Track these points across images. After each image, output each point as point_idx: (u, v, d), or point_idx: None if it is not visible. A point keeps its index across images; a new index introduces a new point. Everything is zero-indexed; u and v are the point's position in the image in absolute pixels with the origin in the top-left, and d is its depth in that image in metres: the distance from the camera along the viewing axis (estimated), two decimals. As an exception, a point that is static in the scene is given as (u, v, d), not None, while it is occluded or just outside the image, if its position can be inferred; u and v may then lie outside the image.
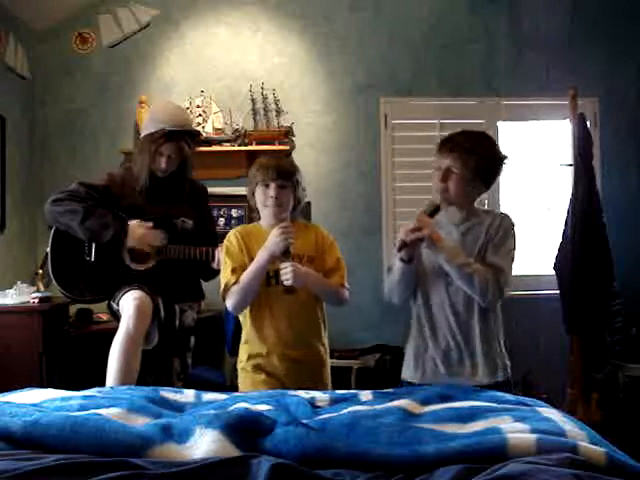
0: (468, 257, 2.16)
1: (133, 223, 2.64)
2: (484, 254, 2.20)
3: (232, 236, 2.39)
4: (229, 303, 2.30)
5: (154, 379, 2.64)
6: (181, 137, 2.70)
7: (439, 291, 2.23)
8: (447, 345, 2.22)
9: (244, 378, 2.36)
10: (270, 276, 2.29)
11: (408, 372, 2.31)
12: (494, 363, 2.23)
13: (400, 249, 2.12)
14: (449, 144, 2.20)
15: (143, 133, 2.74)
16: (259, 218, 2.42)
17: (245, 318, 2.37)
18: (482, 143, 2.22)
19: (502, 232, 2.22)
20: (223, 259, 2.37)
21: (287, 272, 2.18)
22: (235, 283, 2.27)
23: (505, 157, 2.25)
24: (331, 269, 2.36)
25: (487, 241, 2.21)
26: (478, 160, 2.16)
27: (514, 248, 2.23)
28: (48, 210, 2.67)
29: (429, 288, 2.24)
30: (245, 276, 2.26)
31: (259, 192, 2.33)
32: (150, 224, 2.67)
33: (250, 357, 2.34)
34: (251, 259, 2.30)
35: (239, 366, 2.40)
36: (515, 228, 2.27)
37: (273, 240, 2.21)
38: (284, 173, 2.31)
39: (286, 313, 2.31)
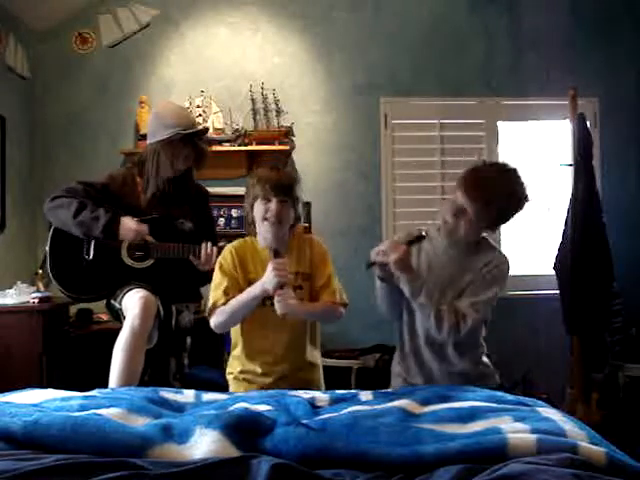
0: (450, 286, 2.15)
1: (125, 217, 2.61)
2: (465, 290, 2.16)
3: (227, 253, 2.33)
4: (212, 322, 2.25)
5: (150, 378, 2.64)
6: (197, 137, 2.73)
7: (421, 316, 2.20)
8: (430, 371, 2.24)
9: (236, 387, 2.33)
10: (265, 297, 2.22)
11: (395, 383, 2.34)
12: (482, 375, 2.26)
13: (368, 267, 2.15)
14: (475, 191, 2.08)
15: (155, 139, 2.70)
16: (255, 233, 2.34)
17: (236, 332, 2.35)
18: (508, 192, 2.11)
19: (490, 277, 2.15)
20: (215, 275, 2.32)
21: (279, 302, 2.13)
22: (224, 304, 2.23)
23: (526, 200, 2.14)
24: (322, 286, 2.31)
25: (474, 280, 2.16)
26: (497, 212, 2.12)
27: (495, 296, 2.16)
28: (46, 207, 2.68)
29: (412, 310, 2.23)
30: (235, 302, 2.21)
31: (258, 207, 2.26)
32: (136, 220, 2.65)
33: (242, 372, 2.32)
34: (245, 277, 2.27)
35: (230, 376, 2.37)
36: (508, 273, 2.21)
37: (268, 276, 2.14)
38: (285, 188, 2.24)
39: (280, 332, 2.26)
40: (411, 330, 2.28)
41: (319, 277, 2.32)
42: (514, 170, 2.16)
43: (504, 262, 2.21)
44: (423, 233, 2.15)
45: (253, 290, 2.19)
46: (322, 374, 2.41)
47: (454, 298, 2.16)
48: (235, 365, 2.35)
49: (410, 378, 2.28)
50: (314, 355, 2.37)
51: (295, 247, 2.33)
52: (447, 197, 2.23)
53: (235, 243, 2.38)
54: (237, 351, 2.35)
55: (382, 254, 2.09)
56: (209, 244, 2.62)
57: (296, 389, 2.04)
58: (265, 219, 2.24)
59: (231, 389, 2.34)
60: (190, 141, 2.70)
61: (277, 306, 2.13)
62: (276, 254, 2.18)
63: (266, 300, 2.22)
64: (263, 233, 2.28)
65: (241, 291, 2.24)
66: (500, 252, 2.26)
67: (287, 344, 2.28)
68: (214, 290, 2.28)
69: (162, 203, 2.73)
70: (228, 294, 2.24)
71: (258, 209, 2.26)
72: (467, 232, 2.16)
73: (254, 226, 2.32)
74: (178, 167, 2.70)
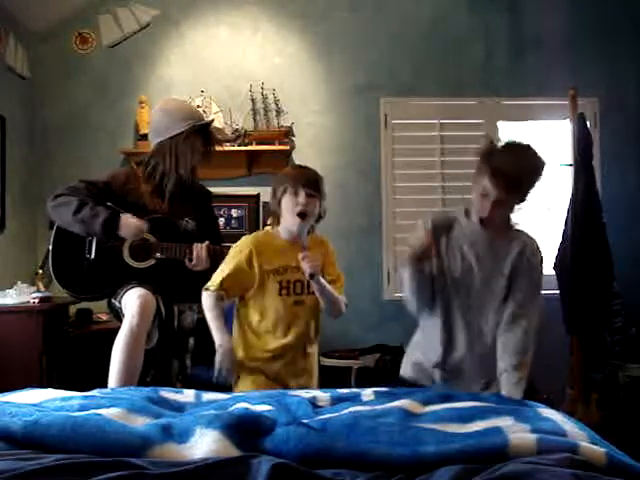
0: (491, 274, 2.19)
1: (125, 214, 2.60)
2: (511, 283, 2.22)
3: (244, 243, 2.40)
4: (204, 303, 2.36)
5: (153, 379, 2.64)
6: (209, 128, 2.79)
7: (461, 304, 2.22)
8: (461, 358, 2.24)
9: (243, 378, 2.34)
10: (282, 286, 2.34)
11: (411, 373, 2.35)
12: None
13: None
14: (505, 179, 2.08)
15: (168, 134, 2.69)
16: (277, 223, 2.41)
17: (244, 320, 2.39)
18: (532, 169, 2.17)
19: (533, 271, 2.26)
20: (226, 258, 2.39)
21: (308, 262, 2.24)
22: (222, 290, 2.33)
23: (544, 166, 2.20)
24: (333, 280, 2.40)
25: (516, 270, 2.22)
26: (527, 190, 2.16)
27: (541, 289, 2.33)
28: (48, 206, 2.68)
29: (451, 300, 2.23)
30: (211, 323, 2.34)
31: (287, 199, 2.33)
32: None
33: (251, 359, 2.35)
34: (261, 268, 2.33)
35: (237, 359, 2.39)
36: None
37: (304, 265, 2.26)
38: (314, 183, 2.35)
39: (290, 322, 2.35)
40: (446, 314, 2.25)
41: (331, 271, 2.43)
42: (528, 146, 2.20)
43: (537, 245, 2.28)
44: (451, 217, 2.26)
45: (216, 335, 2.32)
46: (317, 362, 2.52)
47: (498, 299, 2.21)
48: (243, 351, 2.38)
49: (430, 365, 2.28)
50: (314, 347, 2.47)
51: (315, 246, 2.41)
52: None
53: (255, 234, 2.49)
54: (245, 340, 2.38)
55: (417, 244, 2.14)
56: (200, 245, 2.61)
57: (298, 373, 2.28)
58: (294, 212, 2.31)
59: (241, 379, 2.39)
60: (204, 132, 2.75)
61: (306, 266, 2.23)
62: (304, 247, 2.29)
63: (283, 290, 2.34)
64: (289, 226, 2.35)
65: (245, 283, 2.34)
66: (528, 234, 2.30)
67: (296, 333, 2.36)
68: (218, 272, 2.37)
69: (165, 203, 2.73)
70: (223, 284, 2.33)
71: (287, 201, 2.33)
72: (502, 218, 2.22)
73: (277, 219, 2.40)
74: (196, 160, 2.73)
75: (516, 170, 2.09)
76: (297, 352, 2.37)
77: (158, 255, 2.64)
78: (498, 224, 2.22)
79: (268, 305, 2.34)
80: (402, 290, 2.30)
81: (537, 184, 2.18)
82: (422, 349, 2.34)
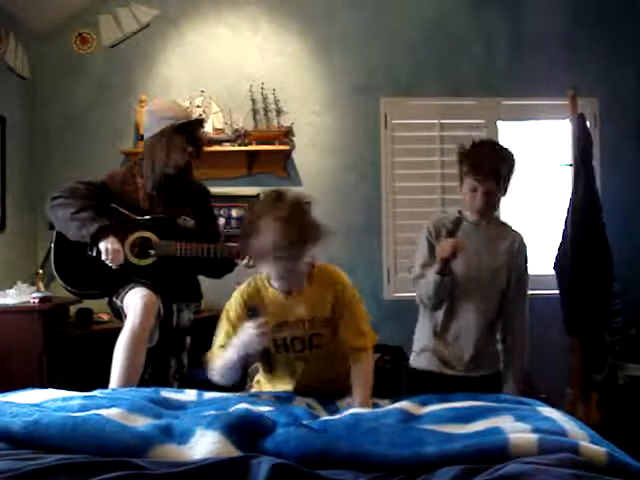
0: (490, 268, 2.33)
1: (111, 237, 2.56)
2: (509, 279, 2.37)
3: (234, 300, 2.08)
4: (210, 377, 2.05)
5: (150, 377, 2.64)
6: (192, 127, 2.72)
7: (469, 298, 2.34)
8: (463, 348, 2.35)
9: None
10: (278, 345, 2.03)
11: (421, 361, 2.43)
12: (496, 359, 2.41)
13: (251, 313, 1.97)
14: (491, 171, 2.29)
15: (149, 134, 2.70)
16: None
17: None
18: (505, 157, 2.37)
19: (522, 263, 2.40)
20: (220, 320, 2.12)
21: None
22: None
23: (513, 155, 2.41)
24: (347, 329, 2.04)
25: (510, 264, 2.37)
26: (506, 177, 2.35)
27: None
28: (47, 207, 2.68)
29: (460, 296, 2.34)
30: (221, 366, 2.00)
31: (269, 264, 1.96)
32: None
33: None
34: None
35: (255, 379, 2.28)
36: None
37: (248, 339, 1.92)
38: (296, 251, 1.90)
39: (302, 376, 2.07)
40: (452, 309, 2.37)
41: (344, 318, 2.05)
42: (493, 140, 2.57)
43: (522, 238, 2.43)
44: (457, 215, 2.39)
45: (237, 350, 1.95)
46: None
47: (497, 292, 2.36)
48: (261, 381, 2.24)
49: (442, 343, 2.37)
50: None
51: (314, 286, 2.05)
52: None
53: (244, 287, 2.10)
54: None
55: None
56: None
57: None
58: (281, 277, 1.98)
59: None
60: (184, 131, 2.67)
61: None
62: (255, 312, 1.94)
63: (280, 347, 2.04)
64: (274, 273, 1.99)
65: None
66: (515, 229, 2.48)
67: (312, 386, 2.06)
68: (216, 337, 2.09)
69: (163, 203, 2.73)
70: (223, 346, 2.03)
71: (269, 266, 1.98)
72: (495, 210, 2.41)
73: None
74: (176, 160, 2.67)
75: (492, 159, 2.31)
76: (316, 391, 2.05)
77: (188, 253, 2.61)
78: (490, 219, 2.41)
79: (272, 359, 2.09)
80: (422, 291, 2.34)
81: (512, 174, 2.37)
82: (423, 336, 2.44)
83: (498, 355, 2.41)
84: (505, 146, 2.41)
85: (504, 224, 2.51)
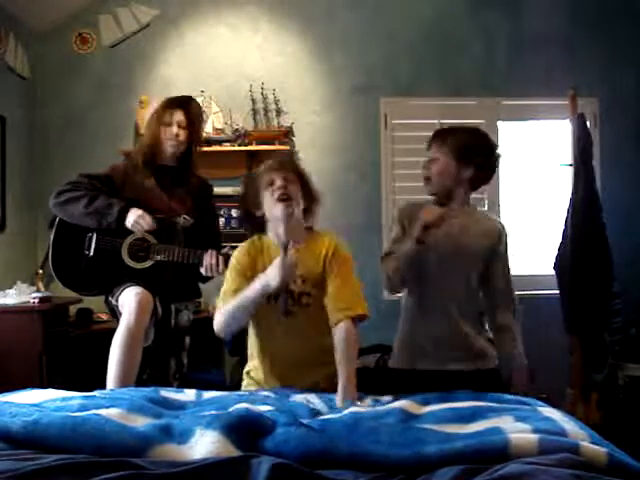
0: (459, 253, 2.24)
1: (136, 209, 2.61)
2: (487, 267, 2.31)
3: (239, 253, 2.20)
4: (214, 325, 2.11)
5: (149, 377, 2.64)
6: (184, 103, 2.76)
7: (438, 281, 2.25)
8: (439, 332, 2.25)
9: (247, 385, 2.26)
10: (270, 295, 2.06)
11: (394, 359, 2.36)
12: (483, 351, 2.30)
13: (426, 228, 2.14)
14: (435, 135, 2.39)
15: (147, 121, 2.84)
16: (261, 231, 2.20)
17: (250, 333, 2.25)
18: (468, 131, 2.39)
19: (505, 254, 2.35)
20: (226, 274, 2.22)
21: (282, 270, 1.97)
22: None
23: (488, 140, 2.38)
24: (332, 295, 2.06)
25: (491, 254, 2.30)
26: (460, 144, 2.32)
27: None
28: (52, 203, 2.67)
29: (429, 277, 2.25)
30: (234, 301, 2.05)
31: (265, 196, 2.10)
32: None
33: (254, 370, 2.24)
34: (254, 278, 2.07)
35: (245, 369, 2.29)
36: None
37: (271, 272, 1.97)
38: (285, 163, 2.15)
39: (286, 339, 2.11)
40: (423, 293, 2.29)
41: (332, 282, 2.09)
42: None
43: (503, 226, 2.38)
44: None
45: (254, 285, 2.02)
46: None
47: (469, 278, 2.28)
48: (251, 362, 2.25)
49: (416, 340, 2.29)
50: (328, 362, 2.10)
51: (309, 242, 2.14)
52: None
53: (249, 241, 2.22)
54: (250, 350, 2.26)
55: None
56: (213, 252, 2.58)
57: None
58: (276, 200, 2.06)
59: (243, 385, 2.26)
60: (176, 105, 2.74)
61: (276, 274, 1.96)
62: (286, 250, 1.98)
63: (271, 299, 2.08)
64: (274, 228, 2.12)
65: None
66: (497, 219, 2.45)
67: (293, 350, 2.11)
68: (222, 290, 2.16)
69: (165, 194, 2.72)
70: (228, 295, 2.11)
71: (266, 199, 2.10)
72: (437, 175, 2.28)
73: (262, 226, 2.18)
74: (172, 133, 2.70)
75: (448, 129, 2.34)
76: (306, 366, 2.11)
77: (159, 258, 2.63)
78: (456, 202, 2.28)
79: (260, 315, 2.12)
80: (390, 265, 2.22)
81: (477, 150, 2.27)
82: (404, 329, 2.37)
83: (485, 350, 2.29)
84: (486, 133, 2.37)
85: (481, 212, 2.46)
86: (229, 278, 2.16)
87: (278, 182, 2.08)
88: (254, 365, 2.23)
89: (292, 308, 2.09)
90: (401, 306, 2.40)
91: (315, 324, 2.09)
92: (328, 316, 2.07)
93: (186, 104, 2.77)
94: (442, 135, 2.33)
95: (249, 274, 2.12)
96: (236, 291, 2.08)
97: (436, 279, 2.25)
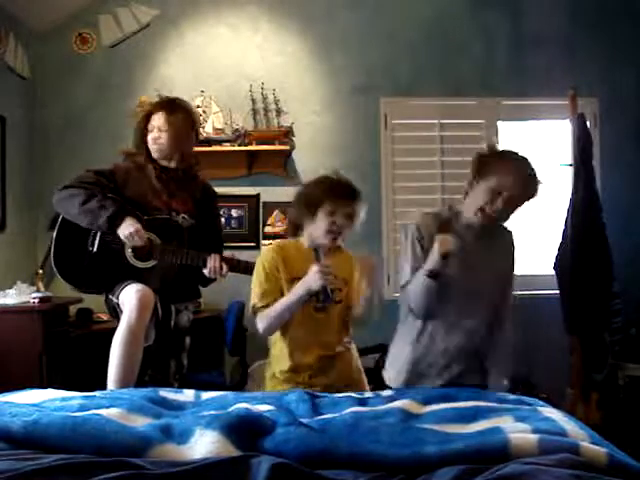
0: (485, 272, 2.21)
1: (130, 217, 2.59)
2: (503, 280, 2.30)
3: (268, 253, 2.31)
4: (260, 326, 2.25)
5: (150, 378, 2.63)
6: (165, 106, 2.76)
7: (461, 305, 2.20)
8: (458, 347, 2.22)
9: (274, 386, 2.29)
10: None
11: (393, 376, 2.33)
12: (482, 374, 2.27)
13: (433, 276, 2.12)
14: (522, 175, 2.16)
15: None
16: (293, 234, 2.36)
17: (274, 338, 2.33)
18: (535, 191, 2.26)
19: (512, 262, 2.33)
20: (256, 274, 2.30)
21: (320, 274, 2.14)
22: (265, 307, 2.22)
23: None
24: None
25: (505, 268, 2.31)
26: (535, 190, 2.25)
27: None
28: (55, 198, 2.67)
29: (451, 301, 2.19)
30: (279, 305, 2.21)
31: (321, 216, 2.22)
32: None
33: (282, 372, 2.28)
34: (289, 276, 2.24)
35: (268, 374, 2.35)
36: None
37: (312, 277, 2.13)
38: (354, 203, 2.25)
39: (316, 331, 2.27)
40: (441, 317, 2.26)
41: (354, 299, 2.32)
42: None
43: (513, 238, 2.38)
44: (448, 214, 2.26)
45: (296, 291, 2.18)
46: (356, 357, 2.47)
47: (490, 296, 2.25)
48: (276, 364, 2.31)
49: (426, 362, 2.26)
50: (349, 349, 2.42)
51: (337, 259, 2.30)
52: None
53: (278, 242, 2.44)
54: (278, 351, 2.31)
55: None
56: (217, 256, 2.60)
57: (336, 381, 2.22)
58: (329, 232, 2.22)
59: (269, 388, 2.31)
60: (158, 109, 2.74)
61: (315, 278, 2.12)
62: (317, 254, 2.18)
63: (311, 299, 2.22)
64: (315, 240, 2.25)
65: (281, 291, 2.24)
66: (507, 228, 2.38)
67: (323, 343, 2.28)
68: (254, 290, 2.27)
69: (166, 194, 2.72)
70: (267, 296, 2.23)
71: (321, 218, 2.22)
72: (504, 211, 2.18)
73: (294, 230, 2.35)
74: (152, 138, 2.71)
75: (531, 168, 2.18)
76: (326, 361, 2.29)
77: (165, 258, 2.63)
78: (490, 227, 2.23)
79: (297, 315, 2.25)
80: (411, 297, 2.21)
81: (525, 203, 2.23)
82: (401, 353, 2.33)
83: (484, 370, 2.27)
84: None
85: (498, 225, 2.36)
86: (258, 278, 2.28)
87: (339, 220, 2.22)
88: (280, 369, 2.29)
89: (325, 304, 2.25)
90: (400, 325, 2.38)
91: (341, 322, 2.33)
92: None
93: (167, 107, 2.75)
94: (527, 182, 2.20)
95: (278, 273, 2.26)
96: (266, 292, 2.24)
97: (459, 302, 2.20)
